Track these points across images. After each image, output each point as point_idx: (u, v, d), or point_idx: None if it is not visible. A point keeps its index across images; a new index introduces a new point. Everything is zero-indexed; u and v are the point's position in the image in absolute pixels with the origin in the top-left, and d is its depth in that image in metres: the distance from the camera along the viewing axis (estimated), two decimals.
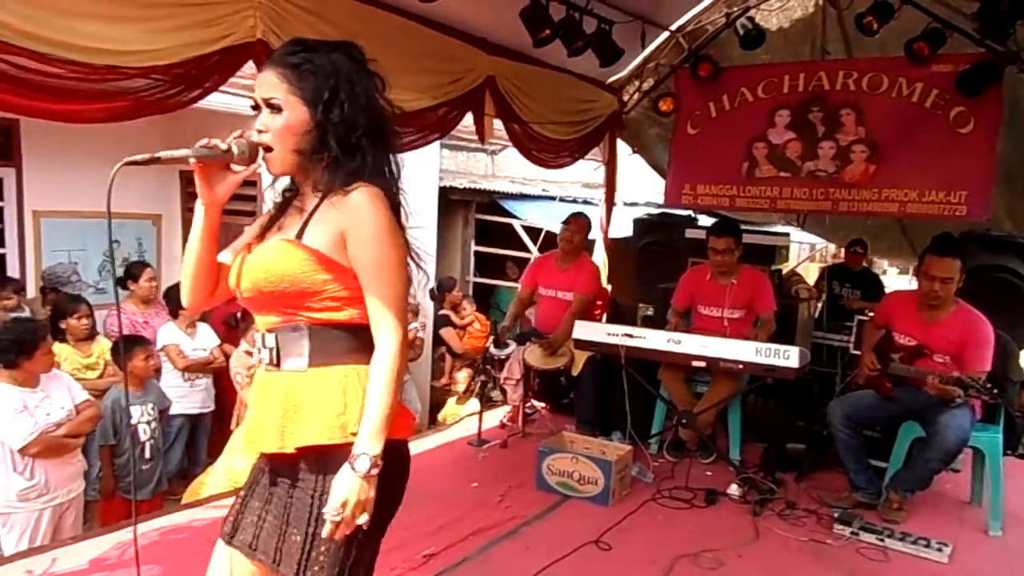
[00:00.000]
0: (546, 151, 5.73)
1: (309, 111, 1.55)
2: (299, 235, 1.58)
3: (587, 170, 7.59)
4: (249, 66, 3.47)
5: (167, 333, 4.84)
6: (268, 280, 1.57)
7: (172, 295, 4.99)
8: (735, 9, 5.49)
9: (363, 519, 1.51)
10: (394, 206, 1.60)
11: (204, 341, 4.99)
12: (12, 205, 5.65)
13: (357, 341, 1.61)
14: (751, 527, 3.65)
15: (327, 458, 1.56)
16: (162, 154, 1.51)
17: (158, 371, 4.72)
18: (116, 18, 2.87)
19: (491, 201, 9.37)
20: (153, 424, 4.19)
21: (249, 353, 4.77)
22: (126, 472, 4.07)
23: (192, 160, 1.56)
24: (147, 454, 4.13)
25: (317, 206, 1.60)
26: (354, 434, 1.53)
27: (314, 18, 3.58)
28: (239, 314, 5.15)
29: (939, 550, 3.37)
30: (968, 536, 3.67)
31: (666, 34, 5.86)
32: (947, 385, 3.49)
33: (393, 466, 1.57)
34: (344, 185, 1.56)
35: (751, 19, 5.36)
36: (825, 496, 3.99)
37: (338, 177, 1.57)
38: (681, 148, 6.08)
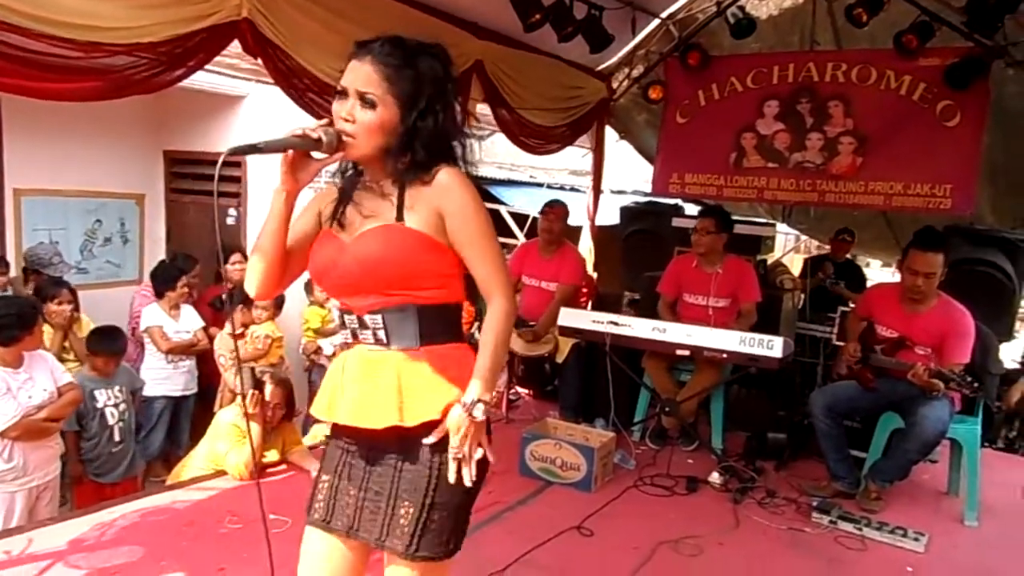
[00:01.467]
0: (534, 137, 5.71)
1: (401, 113, 1.60)
2: (399, 218, 1.63)
3: (575, 157, 7.58)
4: (234, 45, 3.43)
5: (150, 314, 4.79)
6: (380, 264, 1.62)
7: (157, 275, 4.94)
8: None
9: (479, 454, 1.61)
10: None
11: (188, 323, 4.95)
12: None
13: (455, 318, 1.74)
14: (731, 515, 3.68)
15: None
16: (261, 143, 1.54)
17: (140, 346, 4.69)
18: None
19: (478, 187, 9.33)
20: (122, 407, 4.12)
21: (234, 336, 4.74)
22: (95, 456, 4.03)
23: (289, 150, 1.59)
24: (116, 437, 4.08)
25: (402, 191, 1.65)
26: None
27: None
28: (224, 296, 5.12)
29: (916, 539, 3.42)
30: (944, 526, 3.72)
31: (657, 21, 5.84)
32: (929, 377, 3.52)
33: (488, 434, 1.68)
34: (423, 175, 1.64)
35: (742, 8, 5.36)
36: (805, 485, 4.03)
37: (415, 173, 1.64)
38: (669, 137, 6.08)
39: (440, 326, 1.69)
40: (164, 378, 4.80)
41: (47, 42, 2.70)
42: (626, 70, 6.33)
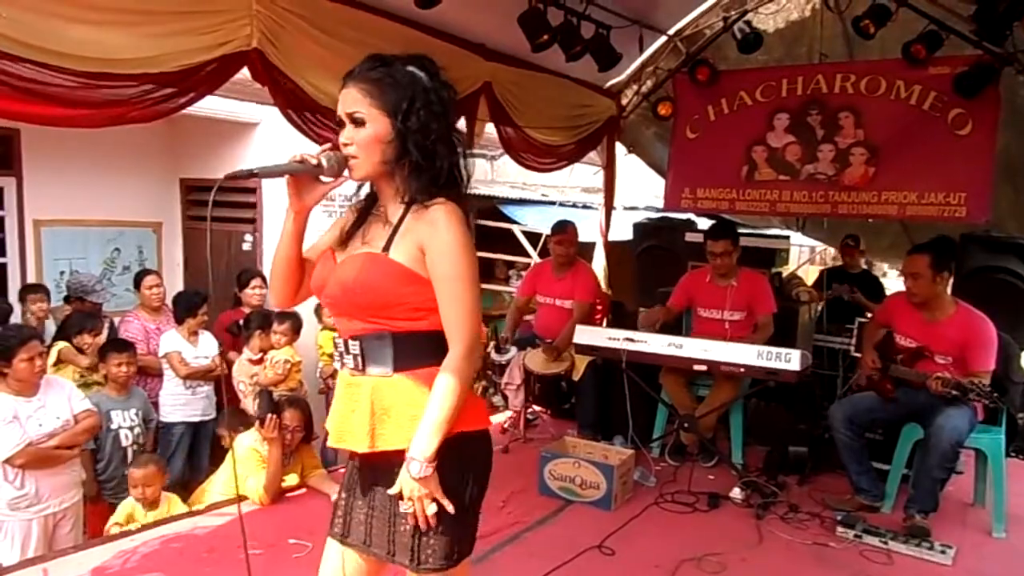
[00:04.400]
0: (540, 156, 5.73)
1: (390, 121, 1.65)
2: (386, 248, 1.67)
3: (586, 175, 7.61)
4: (245, 72, 3.47)
5: (169, 340, 4.83)
6: (356, 291, 1.67)
7: (178, 301, 4.99)
8: (732, 13, 5.52)
9: (432, 510, 1.63)
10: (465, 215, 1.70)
11: (206, 349, 4.98)
12: (13, 215, 5.65)
13: (438, 345, 1.69)
14: (754, 531, 3.64)
15: None
16: (257, 169, 1.61)
17: (160, 375, 4.74)
18: (110, 24, 2.86)
19: (491, 206, 9.38)
20: (136, 430, 4.14)
21: (252, 361, 4.77)
22: (107, 477, 4.05)
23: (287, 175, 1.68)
24: (129, 459, 4.10)
25: (402, 218, 1.69)
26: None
27: (311, 27, 3.58)
28: (242, 322, 5.15)
29: (943, 552, 3.37)
30: (972, 538, 3.67)
31: (664, 38, 5.88)
32: (948, 388, 3.49)
33: (472, 456, 1.74)
34: (427, 194, 1.66)
35: (748, 23, 5.38)
36: (828, 499, 3.99)
37: (420, 183, 1.67)
38: (680, 152, 6.09)
39: (417, 352, 1.70)
40: (183, 404, 4.82)
41: (52, 72, 2.72)
42: (635, 87, 6.36)
